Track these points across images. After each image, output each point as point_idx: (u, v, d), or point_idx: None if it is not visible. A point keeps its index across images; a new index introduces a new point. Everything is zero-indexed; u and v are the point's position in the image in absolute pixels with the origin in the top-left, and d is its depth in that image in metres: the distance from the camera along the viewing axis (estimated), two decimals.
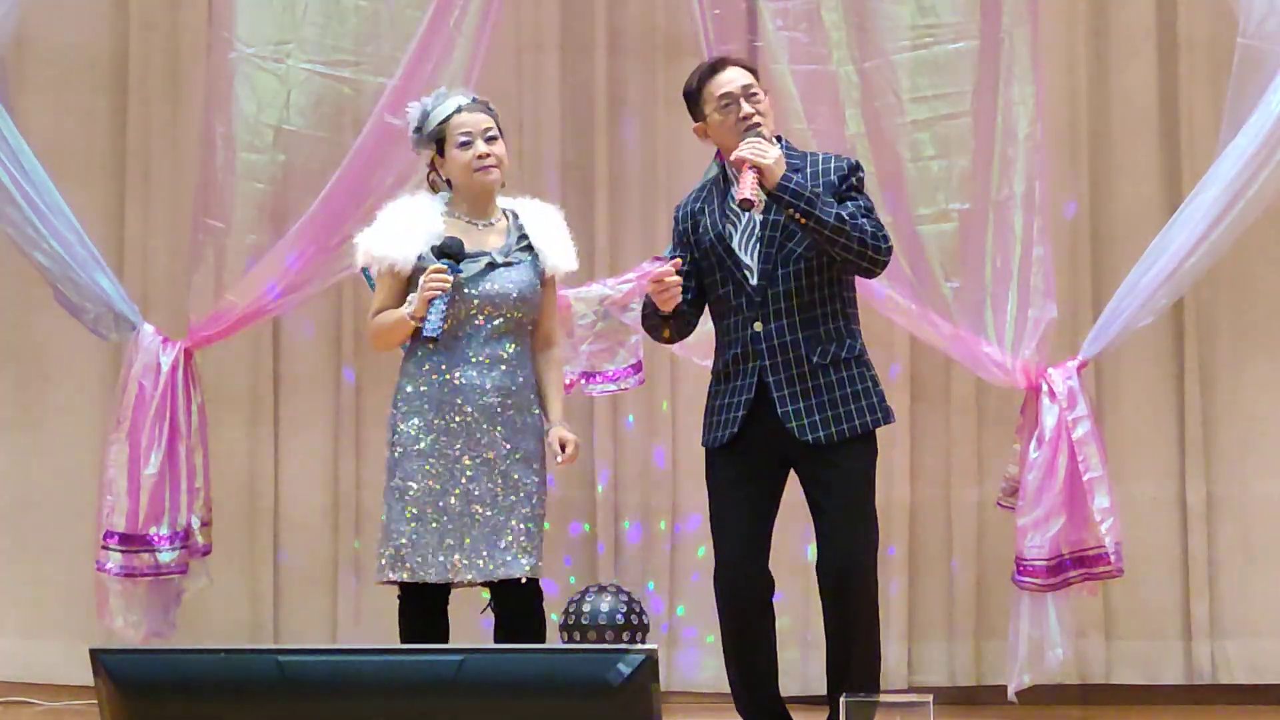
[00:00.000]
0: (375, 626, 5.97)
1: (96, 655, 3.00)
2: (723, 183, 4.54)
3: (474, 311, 4.48)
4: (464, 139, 4.55)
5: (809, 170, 4.45)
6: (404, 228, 4.53)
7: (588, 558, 6.05)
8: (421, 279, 4.41)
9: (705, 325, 4.62)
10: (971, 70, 5.45)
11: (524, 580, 4.48)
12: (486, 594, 4.62)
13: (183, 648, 4.52)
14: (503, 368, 4.50)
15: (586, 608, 5.57)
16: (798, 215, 4.30)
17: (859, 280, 4.67)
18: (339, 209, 5.45)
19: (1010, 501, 5.46)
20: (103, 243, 5.72)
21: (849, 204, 4.39)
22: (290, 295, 5.57)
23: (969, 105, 5.45)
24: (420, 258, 4.48)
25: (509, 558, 4.45)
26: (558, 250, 4.63)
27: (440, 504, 4.45)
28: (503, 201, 4.67)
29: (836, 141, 5.30)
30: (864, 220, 4.37)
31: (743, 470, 4.46)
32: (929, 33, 5.45)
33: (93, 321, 5.54)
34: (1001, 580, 5.61)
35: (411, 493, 4.46)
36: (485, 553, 4.44)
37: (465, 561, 4.44)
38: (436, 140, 4.60)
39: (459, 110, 4.57)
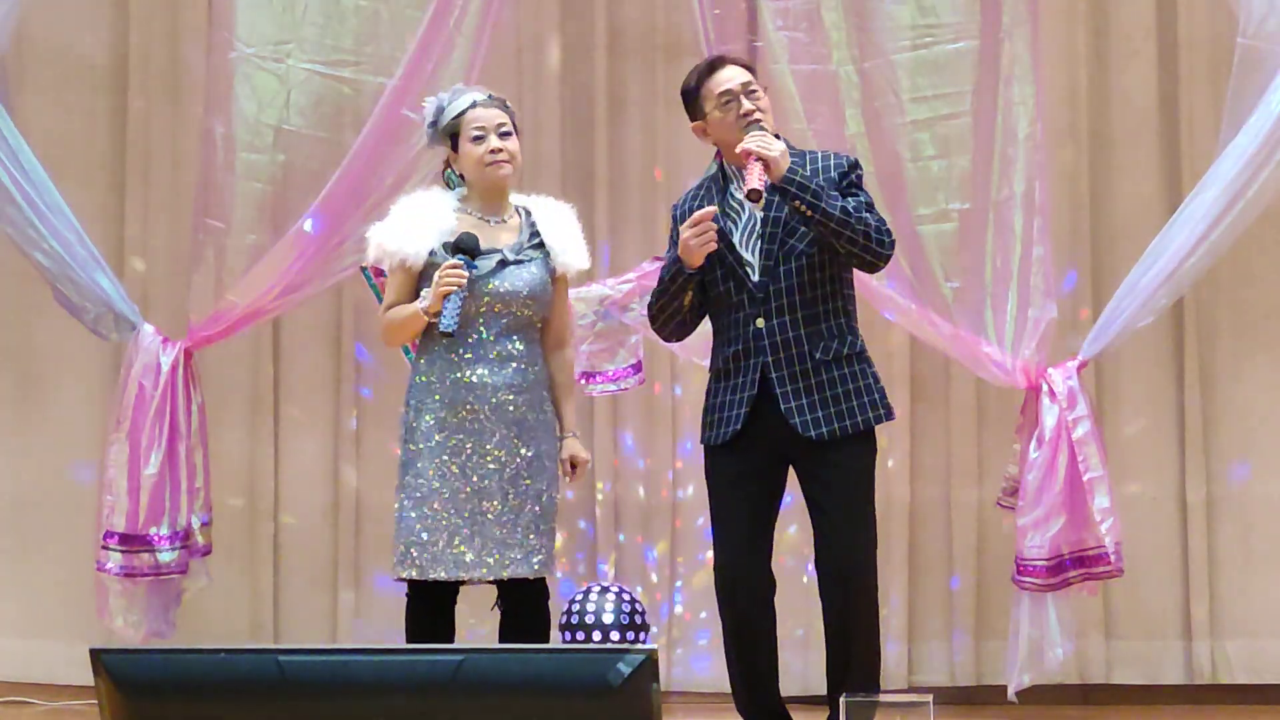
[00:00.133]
0: (375, 626, 5.98)
1: (96, 655, 3.00)
2: (722, 180, 4.54)
3: (485, 309, 4.48)
4: (477, 134, 4.55)
5: (809, 168, 4.45)
6: (417, 223, 4.52)
7: (588, 558, 6.05)
8: (436, 274, 4.41)
9: (704, 326, 4.62)
10: (971, 70, 5.45)
11: (532, 578, 4.49)
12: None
13: (183, 648, 4.50)
14: (514, 365, 4.50)
15: (587, 608, 5.57)
16: (804, 208, 4.30)
17: (858, 280, 4.67)
18: (339, 209, 5.45)
19: (1010, 501, 5.46)
20: (103, 243, 5.72)
21: (851, 199, 4.40)
22: (290, 295, 5.57)
23: (969, 105, 5.45)
24: (432, 253, 4.48)
25: (518, 556, 4.46)
26: (569, 248, 4.62)
27: (451, 501, 4.44)
28: (515, 199, 4.67)
29: (836, 141, 5.30)
30: (867, 214, 4.38)
31: (744, 468, 4.45)
32: (929, 33, 5.45)
33: (93, 321, 5.54)
34: (1001, 580, 5.61)
35: (422, 490, 4.46)
36: (495, 550, 4.44)
37: (475, 559, 4.44)
38: (451, 135, 4.59)
39: (473, 106, 4.57)
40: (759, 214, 4.42)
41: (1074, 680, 5.81)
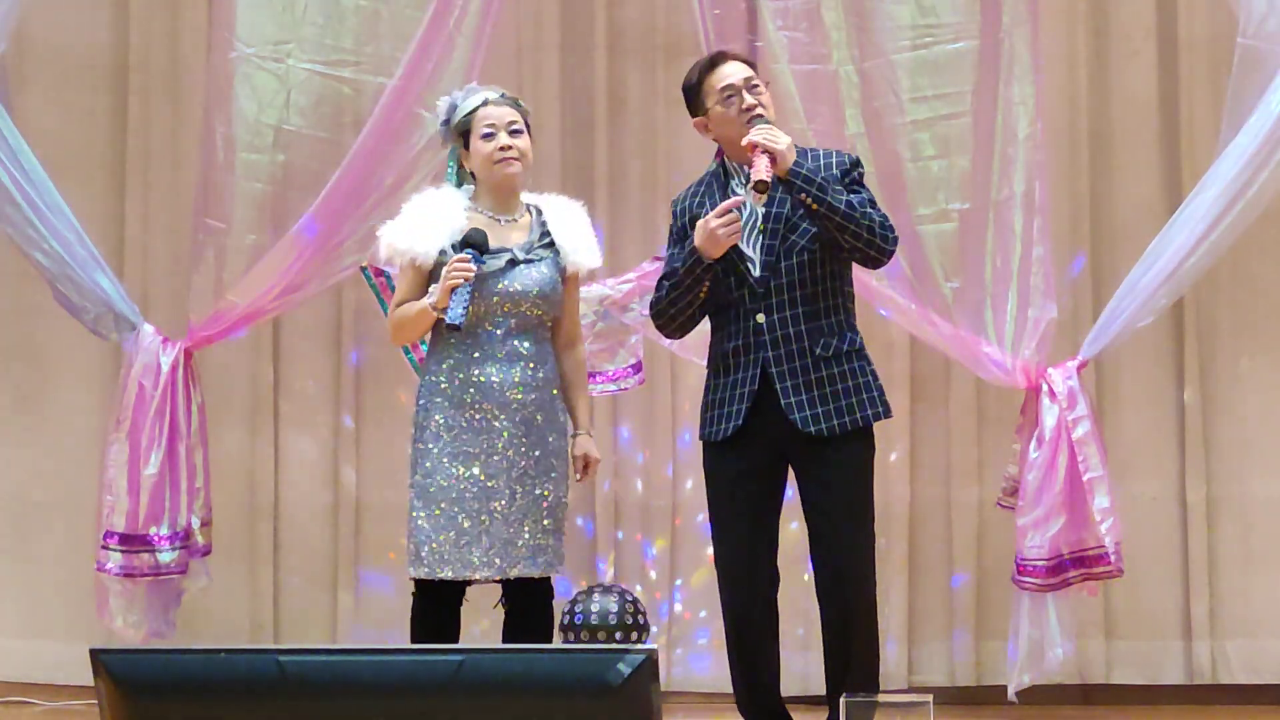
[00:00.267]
0: (375, 626, 5.98)
1: (96, 655, 3.00)
2: (723, 176, 4.54)
3: (494, 308, 4.48)
4: (487, 131, 4.55)
5: (812, 164, 4.44)
6: (427, 221, 4.52)
7: (588, 558, 6.05)
8: (444, 269, 4.41)
9: (703, 325, 4.62)
10: (971, 70, 5.45)
11: (538, 577, 4.50)
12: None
13: (183, 648, 4.51)
14: (523, 365, 4.50)
15: (586, 608, 5.57)
16: (809, 200, 4.30)
17: (858, 280, 4.67)
18: (339, 209, 5.45)
19: (1010, 501, 5.46)
20: (103, 243, 5.72)
21: (854, 195, 4.40)
22: (290, 295, 5.57)
23: (969, 105, 5.45)
24: (442, 252, 4.48)
25: (525, 555, 4.46)
26: (580, 247, 4.62)
27: (459, 501, 4.44)
28: (527, 197, 4.67)
29: (836, 141, 5.30)
30: (871, 210, 4.39)
31: (745, 465, 4.45)
32: (929, 33, 5.45)
33: (93, 321, 5.54)
34: (1001, 580, 5.61)
35: (430, 489, 4.46)
36: (502, 550, 4.45)
37: (482, 558, 4.44)
38: (463, 133, 4.60)
39: (485, 104, 4.58)
40: (760, 210, 4.43)
41: (1074, 680, 5.81)
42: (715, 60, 4.56)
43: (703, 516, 5.78)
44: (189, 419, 5.52)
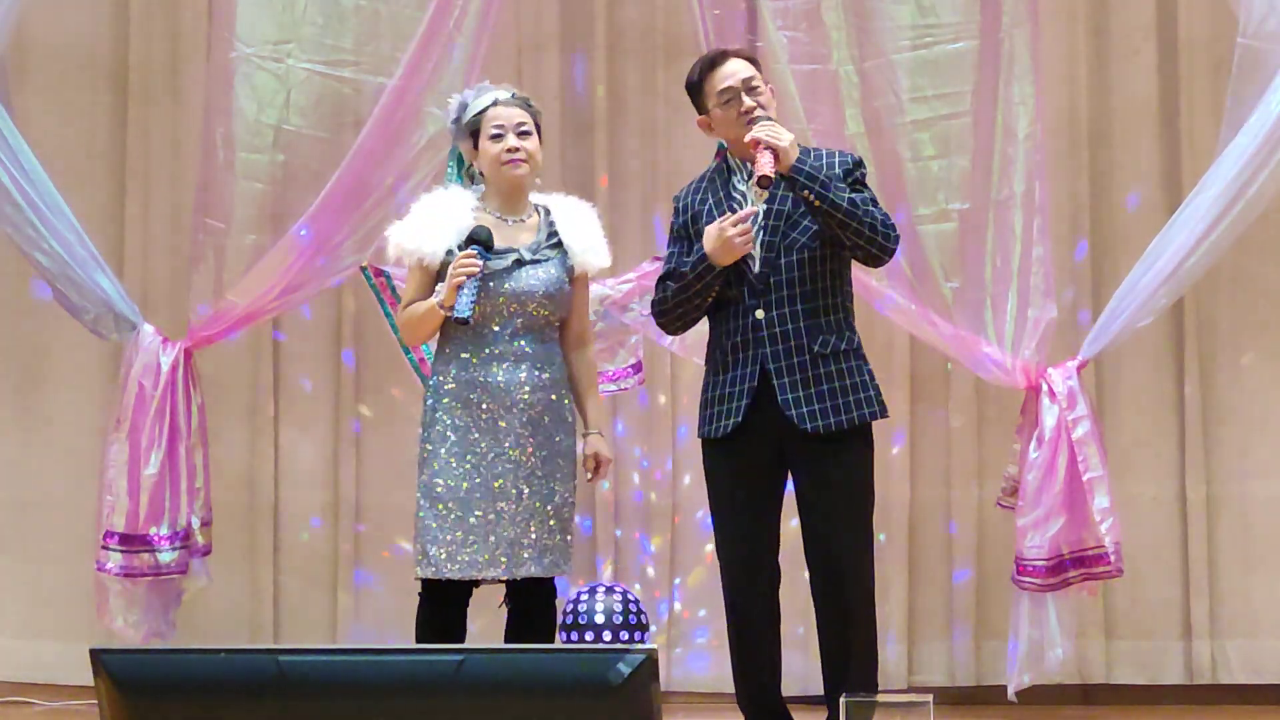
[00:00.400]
0: (375, 626, 5.98)
1: (96, 655, 3.00)
2: (726, 172, 4.55)
3: (500, 309, 4.48)
4: (496, 131, 4.55)
5: (814, 162, 4.45)
6: (435, 222, 4.52)
7: (589, 558, 6.05)
8: (450, 266, 4.42)
9: (702, 326, 4.62)
10: (971, 70, 5.46)
11: (543, 577, 4.50)
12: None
13: (183, 648, 4.52)
14: (528, 365, 4.49)
15: (586, 608, 5.57)
16: (812, 197, 4.31)
17: (857, 280, 4.67)
18: (339, 209, 5.45)
19: (1010, 501, 5.46)
20: (103, 243, 5.72)
21: (856, 194, 4.41)
22: (290, 295, 5.57)
23: (969, 105, 5.46)
24: (449, 252, 4.48)
25: (532, 555, 4.46)
26: (588, 247, 4.62)
27: (465, 501, 4.44)
28: (536, 198, 4.67)
29: (836, 141, 5.30)
30: (873, 208, 4.39)
31: (744, 462, 4.45)
32: (929, 33, 5.46)
33: (93, 321, 5.54)
34: (1001, 580, 5.61)
35: (437, 489, 4.46)
36: (508, 550, 4.44)
37: (489, 558, 4.44)
38: (473, 132, 4.60)
39: (495, 104, 4.58)
40: (762, 207, 4.43)
41: (1074, 680, 5.82)
42: (715, 60, 4.55)
43: (702, 513, 5.79)
44: (189, 419, 5.52)
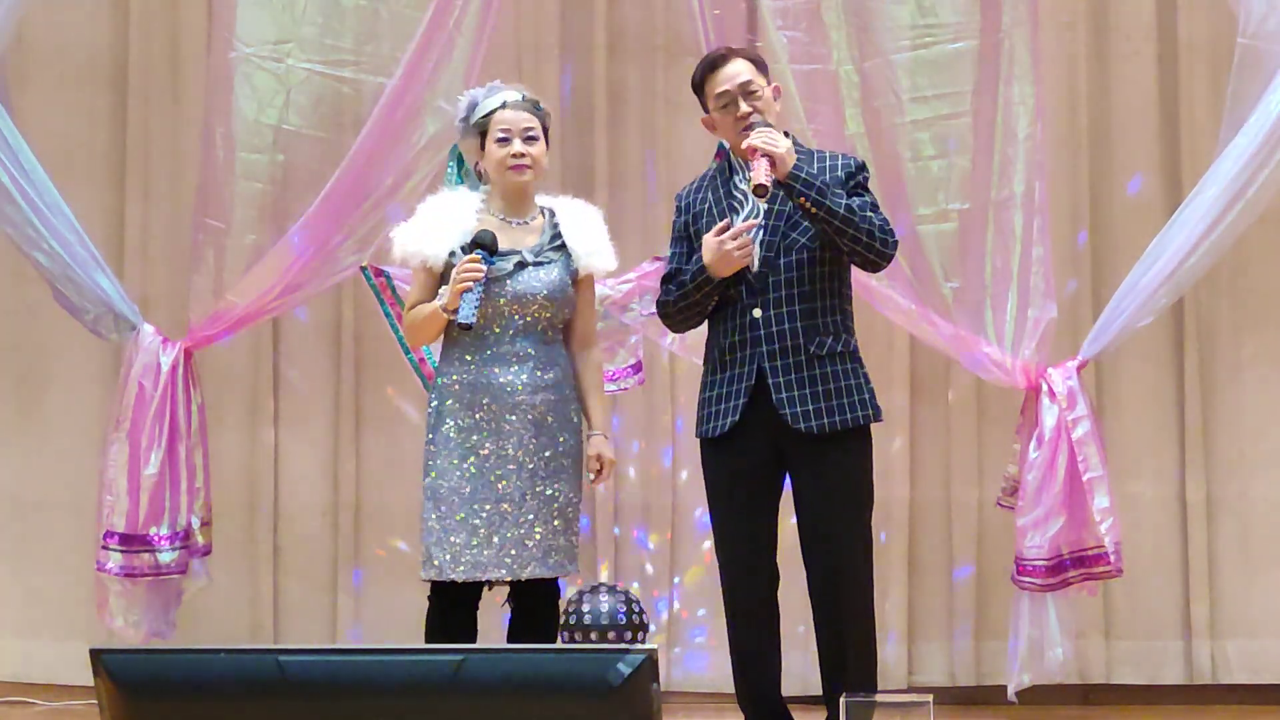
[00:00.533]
0: (375, 626, 5.98)
1: (96, 655, 3.00)
2: (727, 171, 4.55)
3: (502, 310, 4.48)
4: (503, 135, 4.55)
5: (816, 166, 4.45)
6: (439, 223, 4.53)
7: (588, 557, 6.04)
8: (454, 270, 4.42)
9: (701, 327, 4.62)
10: (971, 70, 5.45)
11: (548, 578, 4.50)
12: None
13: (183, 648, 4.52)
14: (531, 366, 4.49)
15: (586, 608, 5.57)
16: (808, 204, 4.31)
17: (858, 281, 4.67)
18: (339, 209, 5.45)
19: (1010, 501, 5.46)
20: (103, 243, 5.72)
21: (856, 199, 4.41)
22: (290, 295, 5.57)
23: (969, 105, 5.46)
24: (452, 254, 4.48)
25: (536, 555, 4.46)
26: (593, 250, 4.62)
27: (470, 502, 4.44)
28: (541, 200, 4.67)
29: (836, 141, 5.30)
30: (872, 214, 4.39)
31: (742, 461, 4.45)
32: (929, 33, 5.46)
33: (93, 321, 5.54)
34: (1001, 580, 5.61)
35: (442, 490, 4.47)
36: (513, 551, 4.44)
37: (493, 559, 4.44)
38: (481, 133, 4.60)
39: (503, 106, 4.58)
40: (763, 206, 4.43)
41: (1074, 680, 5.81)
42: (716, 62, 4.55)
43: (700, 511, 5.79)
44: (189, 419, 5.52)
